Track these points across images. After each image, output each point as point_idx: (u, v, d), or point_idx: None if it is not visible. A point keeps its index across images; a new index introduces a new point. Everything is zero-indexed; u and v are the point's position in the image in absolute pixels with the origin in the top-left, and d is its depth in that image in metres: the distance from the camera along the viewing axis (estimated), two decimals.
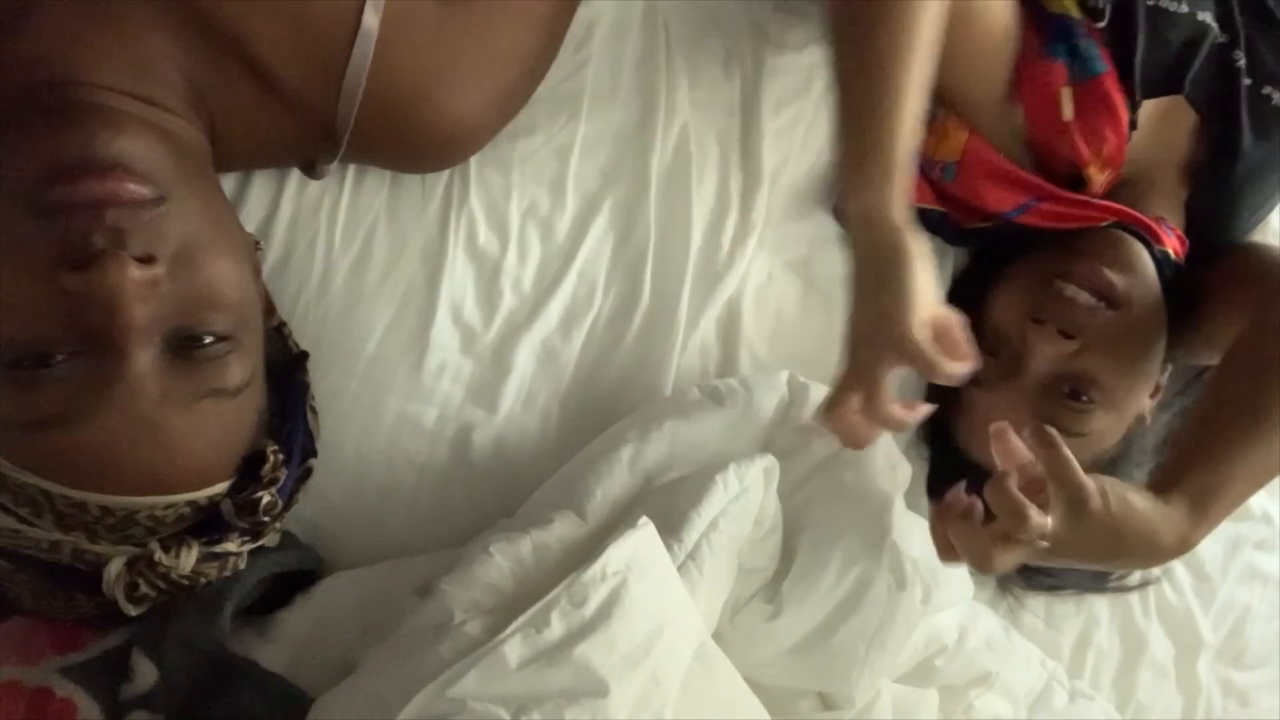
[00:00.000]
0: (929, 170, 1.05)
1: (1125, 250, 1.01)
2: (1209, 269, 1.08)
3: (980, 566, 0.78)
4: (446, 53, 0.79)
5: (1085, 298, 0.97)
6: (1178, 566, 1.26)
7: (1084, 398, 0.97)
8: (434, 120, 0.80)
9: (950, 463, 1.08)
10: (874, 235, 0.84)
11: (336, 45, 0.74)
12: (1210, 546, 1.28)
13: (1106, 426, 1.01)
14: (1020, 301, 1.00)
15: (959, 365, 0.84)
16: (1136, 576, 1.20)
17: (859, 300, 0.86)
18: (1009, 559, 0.77)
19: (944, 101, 1.00)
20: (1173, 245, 1.05)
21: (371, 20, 0.74)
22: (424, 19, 0.78)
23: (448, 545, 0.86)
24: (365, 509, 0.88)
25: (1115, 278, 0.98)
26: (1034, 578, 1.14)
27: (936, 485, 1.11)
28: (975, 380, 0.99)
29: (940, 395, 1.06)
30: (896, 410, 0.86)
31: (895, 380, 0.86)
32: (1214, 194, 1.08)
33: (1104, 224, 1.02)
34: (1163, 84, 1.01)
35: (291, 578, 0.81)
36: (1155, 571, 1.23)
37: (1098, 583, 1.18)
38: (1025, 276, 1.02)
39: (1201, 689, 1.30)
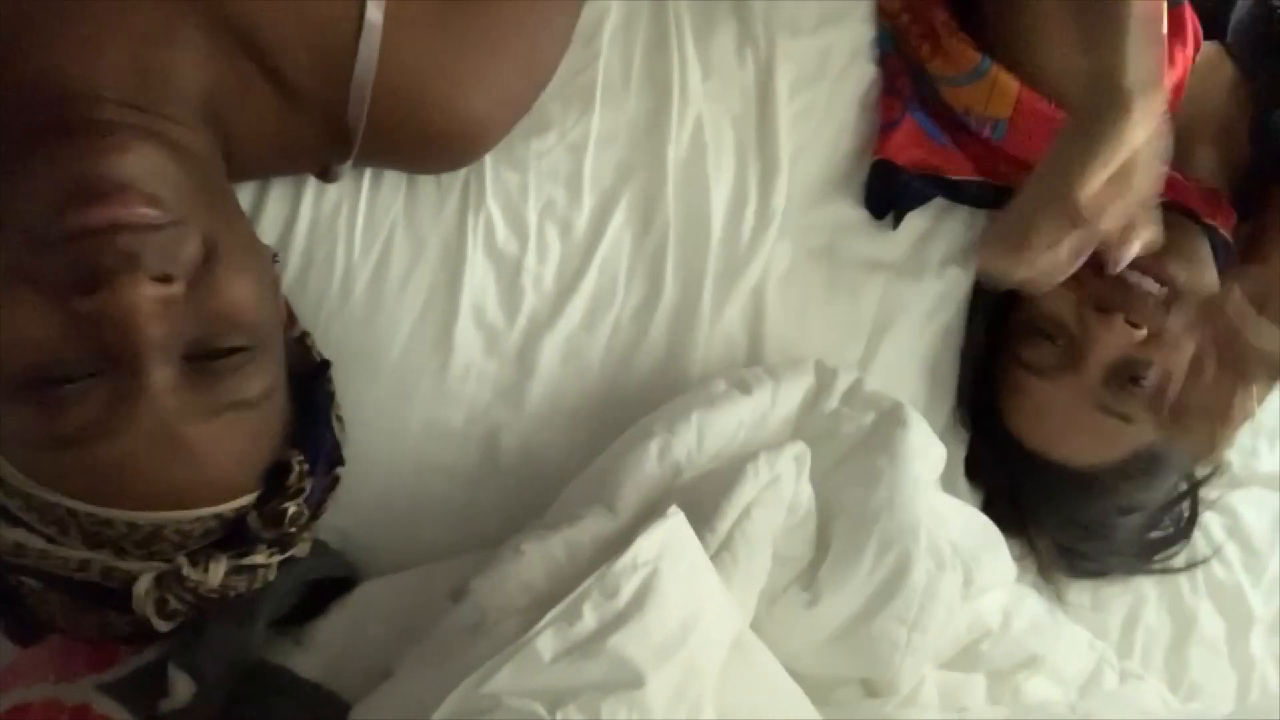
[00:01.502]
0: (977, 128, 1.01)
1: (1185, 239, 0.98)
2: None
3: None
4: (454, 47, 0.78)
5: (1153, 286, 0.95)
6: (1225, 540, 1.24)
7: (1144, 381, 0.96)
8: (446, 116, 0.79)
9: (995, 446, 1.07)
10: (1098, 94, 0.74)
11: (343, 43, 0.74)
12: (1257, 519, 1.26)
13: (1163, 409, 0.99)
14: (1077, 288, 0.96)
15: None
16: (1182, 558, 1.18)
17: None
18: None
19: (994, 52, 0.96)
20: (1223, 220, 1.03)
21: (375, 15, 0.74)
22: (429, 14, 0.77)
23: (480, 548, 0.85)
24: (396, 515, 0.88)
25: (1176, 269, 0.96)
26: (1078, 565, 1.12)
27: (976, 468, 1.10)
28: (1030, 367, 0.98)
29: (986, 380, 1.05)
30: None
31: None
32: (1254, 160, 1.05)
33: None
34: (1205, 27, 0.99)
35: (326, 586, 0.81)
36: (1203, 551, 1.21)
37: (1143, 564, 1.16)
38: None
39: (1256, 664, 1.27)
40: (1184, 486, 1.17)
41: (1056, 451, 1.03)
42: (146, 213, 0.62)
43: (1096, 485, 1.04)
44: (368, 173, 0.86)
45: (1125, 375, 0.96)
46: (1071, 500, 1.06)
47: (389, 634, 0.78)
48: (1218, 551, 1.23)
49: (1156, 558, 1.16)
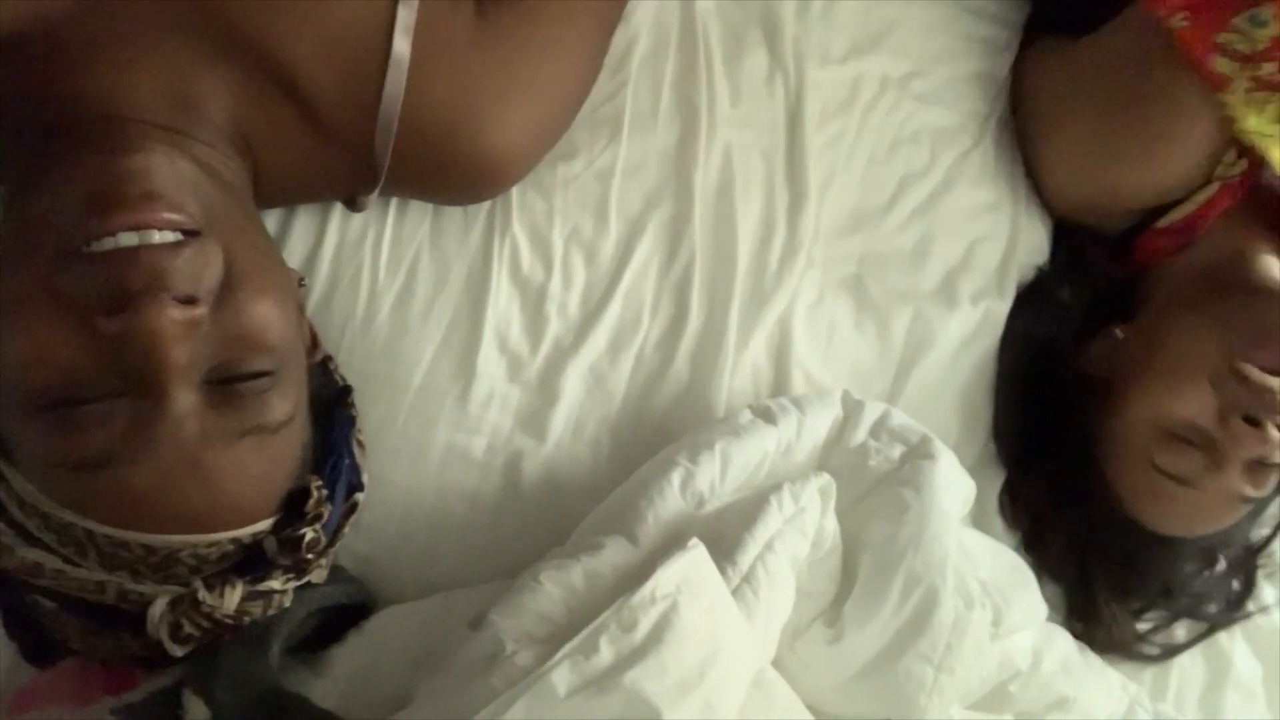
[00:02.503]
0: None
1: None
2: None
3: None
4: (483, 82, 0.78)
5: None
6: (1262, 583, 1.21)
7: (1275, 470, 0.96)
8: (472, 151, 0.79)
9: (1065, 503, 1.05)
10: None
11: (370, 76, 0.74)
12: None
13: None
14: (1211, 395, 0.95)
15: None
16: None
17: None
18: None
19: None
20: None
21: (403, 48, 0.74)
22: (458, 47, 0.78)
23: (501, 576, 0.84)
24: (417, 542, 0.87)
25: None
26: (1134, 651, 1.10)
27: (1014, 508, 1.08)
28: (1173, 476, 0.98)
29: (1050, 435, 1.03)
30: None
31: None
32: None
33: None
34: None
35: (344, 612, 0.80)
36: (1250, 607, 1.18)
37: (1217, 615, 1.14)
38: (1206, 357, 0.97)
39: None
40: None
41: (1181, 533, 1.03)
42: (172, 218, 0.62)
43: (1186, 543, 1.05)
44: (394, 200, 0.86)
45: (1261, 468, 0.96)
46: (1148, 552, 1.06)
47: (406, 662, 0.77)
48: (1264, 609, 1.20)
49: (1231, 614, 1.14)
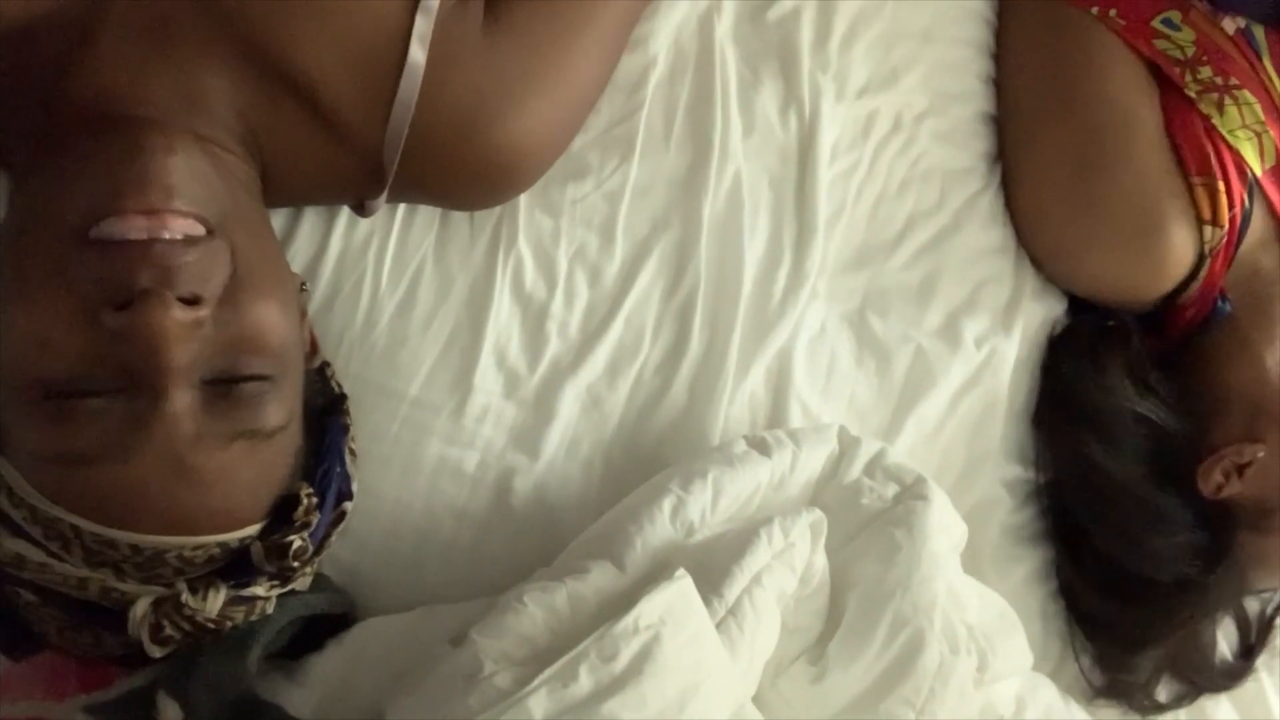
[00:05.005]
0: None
1: None
2: None
3: None
4: (495, 80, 0.78)
5: None
6: None
7: None
8: (484, 149, 0.79)
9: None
10: None
11: (384, 80, 0.74)
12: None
13: None
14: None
15: None
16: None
17: None
18: None
19: None
20: None
21: (418, 55, 0.74)
22: (472, 50, 0.78)
23: (486, 593, 0.84)
24: (403, 554, 0.87)
25: None
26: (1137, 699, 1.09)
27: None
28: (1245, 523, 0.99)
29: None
30: None
31: None
32: None
33: None
34: None
35: (324, 621, 0.79)
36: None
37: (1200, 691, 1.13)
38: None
39: None
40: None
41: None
42: (184, 216, 0.62)
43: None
44: (401, 207, 0.86)
45: None
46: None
47: (385, 675, 0.77)
48: (1252, 671, 1.20)
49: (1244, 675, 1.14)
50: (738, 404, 0.95)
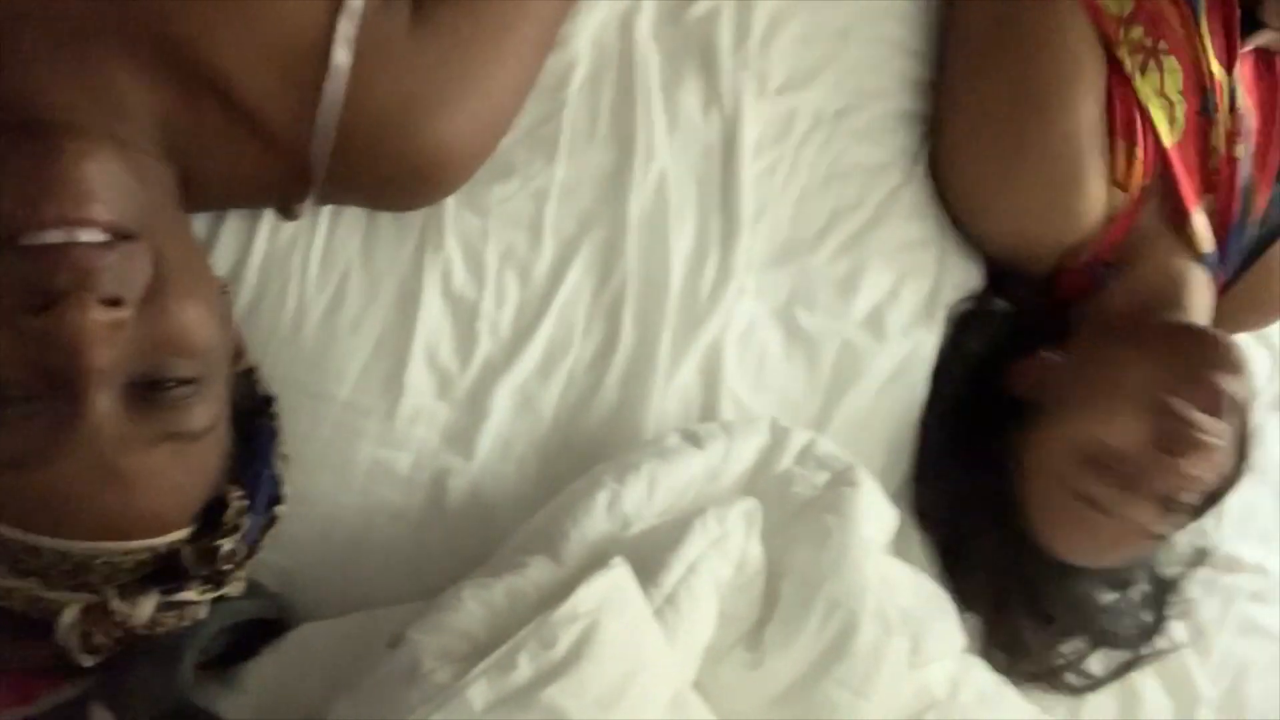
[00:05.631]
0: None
1: (1235, 354, 0.99)
2: None
3: None
4: (423, 85, 0.78)
5: (1217, 426, 0.95)
6: (1173, 622, 1.24)
7: (1185, 505, 0.98)
8: (413, 149, 0.79)
9: (983, 532, 1.07)
10: None
11: (308, 84, 0.74)
12: (1204, 598, 1.26)
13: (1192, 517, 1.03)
14: (1137, 424, 0.96)
15: None
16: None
17: None
18: None
19: None
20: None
21: (343, 57, 0.74)
22: (399, 52, 0.77)
23: (424, 595, 0.83)
24: (338, 557, 0.86)
25: (1236, 398, 0.97)
26: (1059, 681, 1.12)
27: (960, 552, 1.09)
28: (1091, 501, 0.99)
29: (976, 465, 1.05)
30: None
31: None
32: None
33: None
34: None
35: (260, 627, 0.78)
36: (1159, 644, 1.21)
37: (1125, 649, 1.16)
38: (1131, 387, 0.98)
39: None
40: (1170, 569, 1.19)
41: (1086, 561, 1.04)
42: (102, 218, 0.61)
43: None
44: (327, 209, 0.86)
45: (1172, 502, 0.97)
46: (1061, 578, 1.07)
47: (323, 680, 0.76)
48: (1177, 648, 1.23)
49: (1143, 642, 1.16)
50: (670, 399, 0.95)
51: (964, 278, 1.12)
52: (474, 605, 0.71)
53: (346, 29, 0.74)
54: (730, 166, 0.99)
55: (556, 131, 0.93)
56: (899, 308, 1.06)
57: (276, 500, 0.76)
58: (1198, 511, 1.10)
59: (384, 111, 0.77)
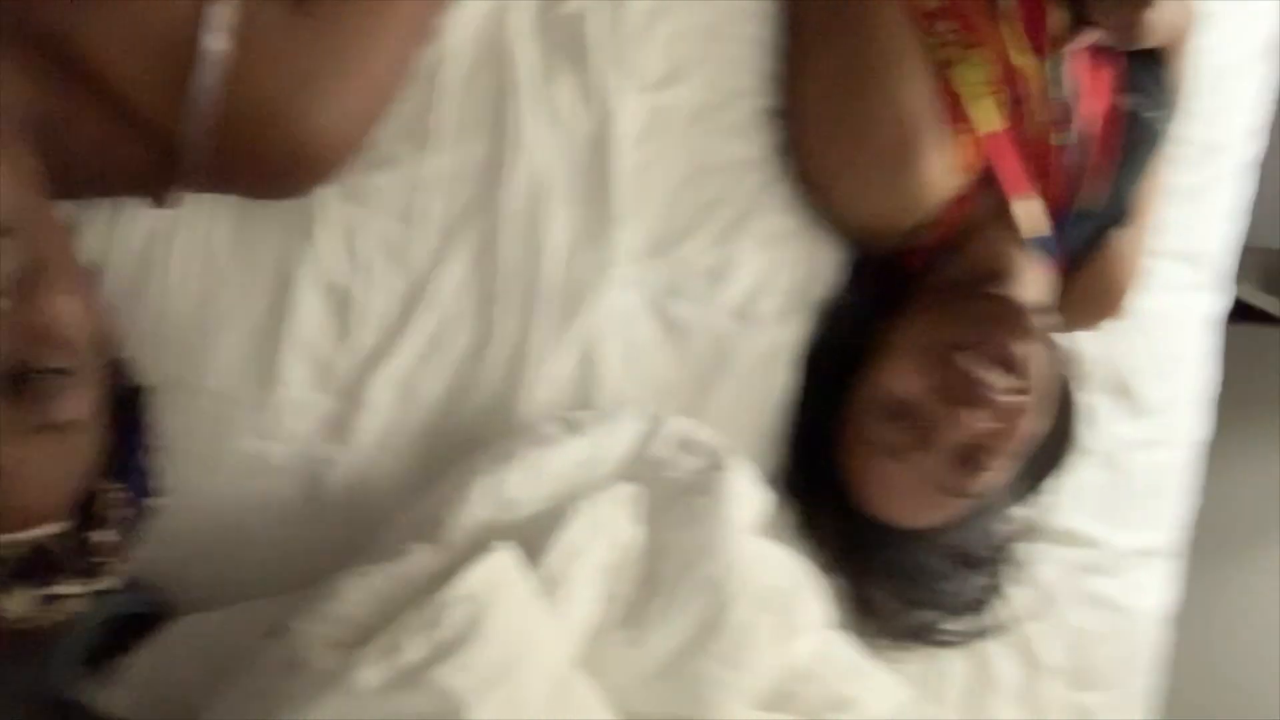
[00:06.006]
0: None
1: (1028, 321, 1.03)
2: None
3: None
4: (300, 74, 0.78)
5: (999, 380, 0.99)
6: (1018, 592, 1.31)
7: (983, 463, 1.01)
8: (287, 144, 0.78)
9: (827, 501, 1.11)
10: None
11: (181, 71, 0.73)
12: (1047, 572, 1.34)
13: (999, 480, 1.05)
14: (925, 374, 1.01)
15: None
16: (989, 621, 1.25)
17: None
18: None
19: None
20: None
21: (215, 44, 0.73)
22: (274, 40, 0.77)
23: (303, 586, 0.83)
24: (214, 550, 0.86)
25: (1022, 358, 1.00)
26: (910, 620, 1.17)
27: (808, 521, 1.13)
28: (878, 446, 1.03)
29: (823, 441, 1.09)
30: None
31: None
32: None
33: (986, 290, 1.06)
34: None
35: (138, 621, 0.77)
36: (1006, 615, 1.28)
37: (969, 617, 1.22)
38: (924, 341, 1.03)
39: (1046, 711, 1.35)
40: (997, 543, 1.25)
41: (893, 519, 1.07)
42: None
43: (920, 533, 1.10)
44: (201, 196, 0.84)
45: (967, 459, 1.01)
46: (896, 548, 1.11)
47: (201, 673, 0.76)
48: (1019, 620, 1.30)
49: (978, 608, 1.22)
50: (547, 388, 0.97)
51: (829, 269, 1.16)
52: (355, 593, 0.72)
53: (220, 16, 0.73)
54: (605, 160, 1.00)
55: (431, 122, 0.93)
56: (769, 298, 1.10)
57: (151, 493, 0.74)
58: (1030, 483, 1.17)
59: (259, 101, 0.76)
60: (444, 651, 0.63)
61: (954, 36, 1.07)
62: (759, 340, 1.08)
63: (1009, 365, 0.99)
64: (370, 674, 0.62)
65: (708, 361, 1.06)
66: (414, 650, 0.63)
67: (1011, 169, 1.09)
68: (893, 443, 1.01)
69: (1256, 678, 2.35)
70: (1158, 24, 1.10)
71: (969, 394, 0.98)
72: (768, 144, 1.12)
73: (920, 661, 1.23)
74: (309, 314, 0.88)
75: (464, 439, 0.93)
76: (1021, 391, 1.00)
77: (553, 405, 0.98)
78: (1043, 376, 1.02)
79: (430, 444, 0.93)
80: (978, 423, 0.98)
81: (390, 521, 0.84)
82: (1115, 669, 1.43)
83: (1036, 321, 1.02)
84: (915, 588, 1.13)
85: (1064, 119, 1.11)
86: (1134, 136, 1.15)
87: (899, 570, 1.12)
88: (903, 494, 1.04)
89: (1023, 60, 1.08)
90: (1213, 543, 1.68)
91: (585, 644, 0.81)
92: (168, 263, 0.84)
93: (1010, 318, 1.01)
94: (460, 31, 0.94)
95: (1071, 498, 1.39)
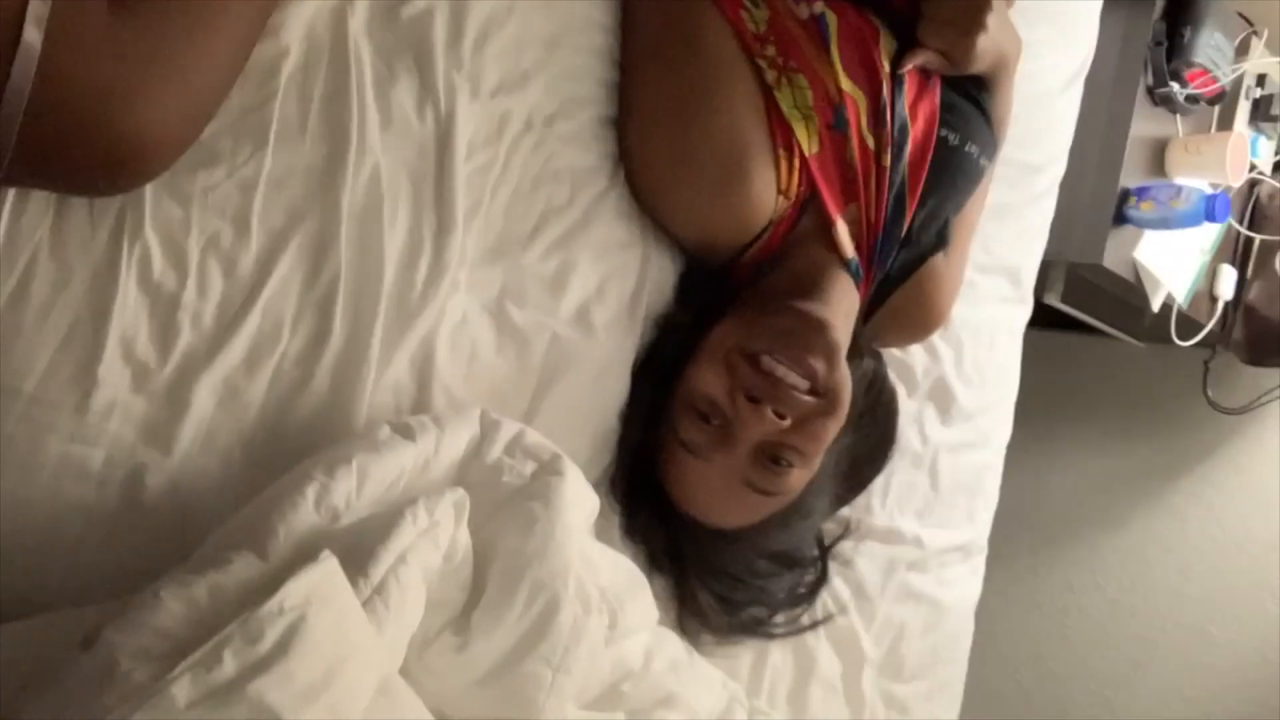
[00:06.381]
0: None
1: (828, 339, 1.06)
2: None
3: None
4: (120, 69, 0.75)
5: (797, 380, 1.03)
6: (841, 588, 1.38)
7: (784, 462, 1.05)
8: (107, 140, 0.76)
9: (652, 504, 1.13)
10: None
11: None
12: (869, 568, 1.41)
13: (801, 481, 1.09)
14: (726, 374, 1.05)
15: None
16: (812, 615, 1.31)
17: None
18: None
19: None
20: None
21: (33, 37, 0.70)
22: (95, 34, 0.74)
23: (119, 595, 0.81)
24: (23, 558, 0.82)
25: (819, 366, 1.05)
26: (736, 618, 1.20)
27: (633, 525, 1.16)
28: (686, 445, 1.06)
29: (647, 445, 1.12)
30: None
31: None
32: None
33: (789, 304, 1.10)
34: None
35: None
36: (826, 606, 1.33)
37: (791, 612, 1.27)
38: (729, 342, 1.07)
39: (866, 702, 1.42)
40: (819, 540, 1.30)
41: (707, 518, 1.11)
42: None
43: (742, 536, 1.13)
44: (11, 192, 0.81)
45: (769, 457, 1.05)
46: (720, 550, 1.15)
47: (8, 684, 0.72)
48: (844, 611, 1.36)
49: (802, 604, 1.27)
50: (382, 392, 0.97)
51: (664, 277, 1.20)
52: (174, 603, 0.70)
53: (38, 9, 0.71)
54: (444, 165, 1.00)
55: (265, 121, 0.91)
56: (604, 305, 1.13)
57: None
58: (851, 484, 1.22)
59: (77, 95, 0.74)
60: (263, 665, 0.63)
61: (779, 60, 1.11)
62: (593, 349, 1.11)
63: (805, 373, 1.04)
64: (187, 688, 0.60)
65: (543, 367, 1.08)
66: (232, 664, 0.62)
67: (828, 192, 1.14)
68: (699, 441, 1.06)
69: (1048, 664, 2.52)
70: (986, 49, 1.16)
71: (765, 391, 1.03)
72: (606, 153, 1.14)
73: (750, 655, 1.27)
74: (130, 314, 0.85)
75: (295, 444, 0.92)
76: (814, 394, 1.04)
77: (388, 409, 0.97)
78: (841, 384, 1.06)
79: (258, 449, 0.91)
80: (773, 421, 1.03)
81: (214, 528, 0.83)
82: (927, 660, 1.50)
83: (836, 341, 1.07)
84: (739, 587, 1.18)
85: (898, 141, 1.16)
86: (953, 165, 1.21)
87: (722, 570, 1.16)
88: (712, 493, 1.09)
89: (849, 85, 1.13)
90: (1010, 539, 1.80)
91: (410, 651, 0.81)
92: None
93: (810, 331, 1.06)
94: (296, 28, 0.93)
95: (898, 500, 1.46)
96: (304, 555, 0.76)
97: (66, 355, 0.82)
